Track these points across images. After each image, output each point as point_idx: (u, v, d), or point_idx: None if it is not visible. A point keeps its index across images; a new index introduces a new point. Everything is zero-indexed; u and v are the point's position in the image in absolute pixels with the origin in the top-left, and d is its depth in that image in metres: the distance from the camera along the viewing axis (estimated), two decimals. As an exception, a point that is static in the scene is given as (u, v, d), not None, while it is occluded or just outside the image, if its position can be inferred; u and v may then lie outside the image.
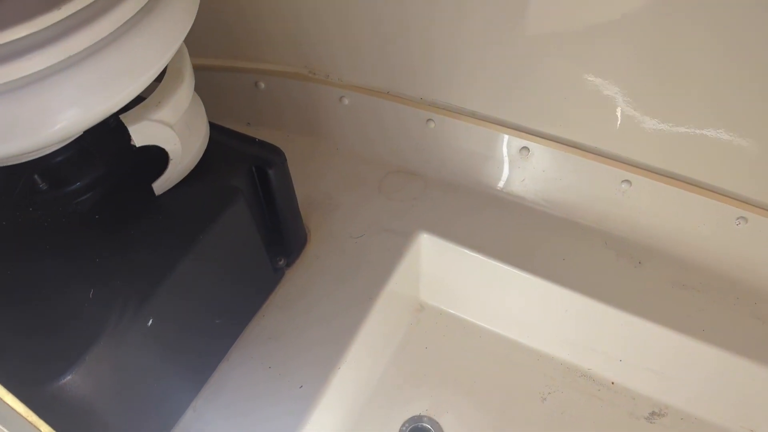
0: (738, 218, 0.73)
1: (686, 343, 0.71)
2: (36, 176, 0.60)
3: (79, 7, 0.41)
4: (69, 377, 0.51)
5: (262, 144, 0.73)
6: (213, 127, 0.71)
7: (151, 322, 0.58)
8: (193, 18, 0.53)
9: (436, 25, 0.77)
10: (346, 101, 0.89)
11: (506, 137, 0.82)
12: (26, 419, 0.37)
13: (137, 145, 0.57)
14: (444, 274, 0.85)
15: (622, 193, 0.78)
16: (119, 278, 0.58)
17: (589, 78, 0.72)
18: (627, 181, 0.76)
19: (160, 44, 0.49)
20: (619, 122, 0.74)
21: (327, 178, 0.91)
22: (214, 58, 0.92)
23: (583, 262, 0.78)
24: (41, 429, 0.39)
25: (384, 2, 0.78)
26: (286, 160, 0.72)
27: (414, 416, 0.79)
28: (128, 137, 0.56)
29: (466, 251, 0.80)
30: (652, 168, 0.75)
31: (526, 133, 0.80)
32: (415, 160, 0.90)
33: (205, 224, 0.63)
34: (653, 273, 0.77)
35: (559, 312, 0.78)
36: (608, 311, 0.75)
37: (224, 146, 0.71)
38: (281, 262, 0.79)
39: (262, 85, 0.92)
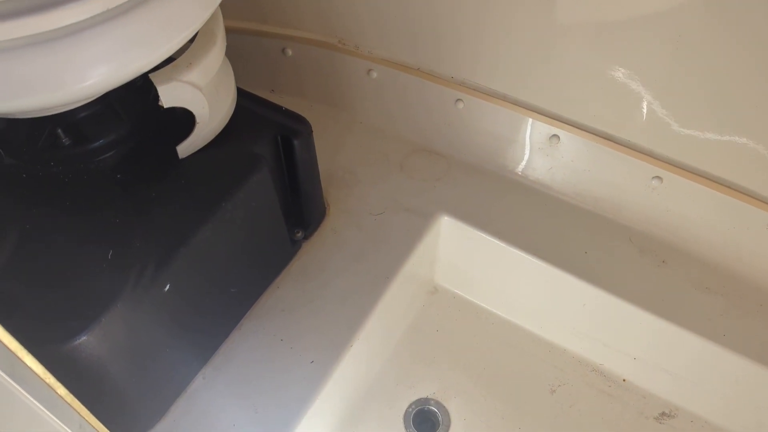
0: (769, 224, 0.71)
1: (705, 346, 0.70)
2: (59, 130, 0.59)
3: (119, -41, 0.40)
4: (84, 338, 0.51)
5: (289, 113, 0.71)
6: (240, 92, 0.70)
7: (168, 287, 0.57)
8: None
9: (474, 7, 0.75)
10: (374, 74, 0.87)
11: (537, 123, 0.80)
12: (44, 380, 0.37)
13: (165, 106, 0.55)
14: (461, 258, 0.84)
15: (652, 190, 0.76)
16: (139, 240, 0.57)
17: (625, 69, 0.70)
18: (658, 177, 0.74)
19: (200, 2, 0.47)
20: (654, 117, 0.72)
21: (349, 152, 0.90)
22: (243, 21, 0.90)
23: (606, 257, 0.77)
24: (58, 391, 0.39)
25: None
26: (312, 131, 0.71)
27: (421, 398, 0.78)
28: (156, 97, 0.55)
29: (487, 237, 0.79)
30: (685, 166, 0.73)
31: (558, 120, 0.78)
32: (440, 140, 0.88)
33: (227, 191, 0.62)
34: (676, 273, 0.76)
35: (576, 305, 0.77)
36: (627, 308, 0.73)
37: (250, 113, 0.69)
38: (299, 234, 0.78)
39: (290, 51, 0.90)
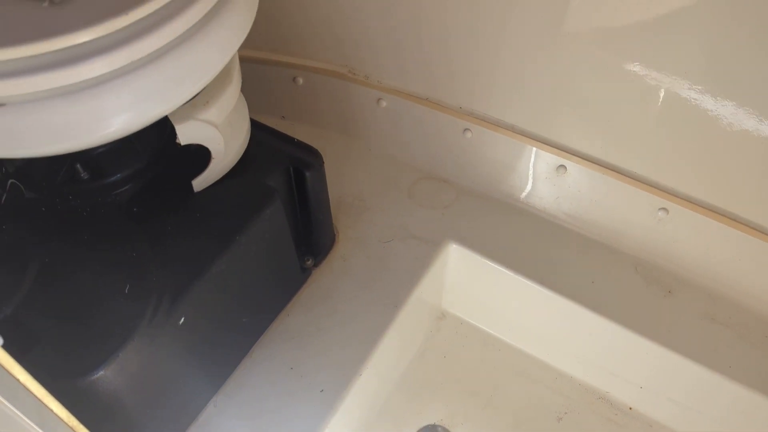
0: (775, 256, 0.72)
1: (711, 377, 0.71)
2: (78, 165, 0.60)
3: (145, 14, 0.41)
4: (101, 372, 0.52)
5: (301, 145, 0.72)
6: (253, 123, 0.71)
7: (183, 320, 0.58)
8: (252, 22, 0.53)
9: (478, 35, 0.76)
10: (383, 103, 0.89)
11: (544, 154, 0.81)
12: (68, 425, 0.38)
13: (182, 143, 0.57)
14: (469, 285, 0.85)
15: (658, 221, 0.77)
16: (155, 274, 0.58)
17: (631, 102, 0.71)
18: (664, 209, 0.75)
19: (221, 50, 0.48)
20: (660, 149, 0.73)
21: (358, 178, 0.91)
22: (254, 50, 0.91)
23: (612, 286, 0.78)
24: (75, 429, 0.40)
25: (427, 8, 0.77)
26: (323, 162, 0.72)
27: (428, 425, 0.79)
28: (172, 132, 0.56)
29: (494, 265, 0.80)
30: (691, 198, 0.74)
31: (565, 151, 0.80)
32: (449, 168, 0.89)
33: (241, 224, 0.63)
34: (683, 303, 0.77)
35: (583, 333, 0.78)
36: (633, 338, 0.74)
37: (263, 144, 0.71)
38: (309, 262, 0.79)
39: (301, 80, 0.92)
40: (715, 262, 0.76)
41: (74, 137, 0.44)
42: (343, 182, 0.90)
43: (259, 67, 0.92)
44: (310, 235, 0.78)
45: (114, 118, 0.44)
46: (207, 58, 0.47)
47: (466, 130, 0.85)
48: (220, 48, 0.48)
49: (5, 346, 0.31)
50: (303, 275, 0.79)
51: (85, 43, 0.40)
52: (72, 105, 0.42)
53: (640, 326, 0.74)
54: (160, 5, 0.42)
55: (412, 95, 0.87)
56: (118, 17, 0.40)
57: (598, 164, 0.78)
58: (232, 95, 0.59)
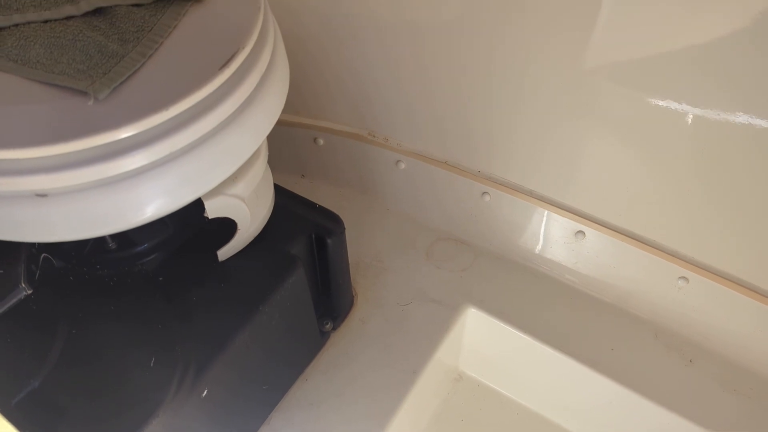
0: (796, 328, 0.72)
1: (734, 451, 0.70)
2: (107, 236, 0.61)
3: (184, 108, 0.42)
4: (126, 449, 0.52)
5: (323, 211, 0.73)
6: (276, 188, 0.72)
7: (206, 392, 0.58)
8: (284, 102, 0.54)
9: (495, 101, 0.78)
10: (402, 165, 0.90)
11: (562, 219, 0.81)
12: None
13: (210, 217, 0.58)
14: (487, 347, 0.85)
15: (678, 290, 0.77)
16: (179, 346, 0.58)
17: (652, 171, 0.72)
18: (684, 278, 0.76)
19: (255, 134, 0.49)
20: (680, 218, 0.74)
21: (376, 239, 0.92)
22: (277, 111, 0.93)
23: (632, 354, 0.78)
24: None
25: (444, 75, 0.79)
26: (344, 229, 0.73)
27: (446, 492, 0.78)
28: (201, 208, 0.57)
29: (513, 330, 0.80)
30: (710, 268, 0.74)
31: (583, 217, 0.80)
32: (467, 230, 0.90)
33: (264, 294, 0.63)
34: (703, 373, 0.76)
35: (603, 401, 0.77)
36: (653, 408, 0.73)
37: (286, 210, 0.71)
38: (328, 326, 0.79)
39: (321, 141, 0.93)
40: (736, 333, 0.75)
41: (110, 224, 0.45)
42: (361, 242, 0.90)
43: (281, 128, 0.94)
44: (330, 299, 0.79)
45: (149, 205, 0.45)
46: (242, 143, 0.49)
47: (484, 193, 0.85)
48: (254, 132, 0.50)
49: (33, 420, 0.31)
50: (322, 339, 0.79)
51: (126, 137, 0.41)
52: (110, 195, 0.43)
53: (660, 396, 0.73)
54: (199, 99, 0.43)
55: (430, 158, 0.88)
56: (158, 113, 0.41)
57: (616, 231, 0.78)
58: (260, 170, 0.60)
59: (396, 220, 0.94)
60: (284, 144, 0.96)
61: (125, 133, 0.41)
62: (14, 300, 0.47)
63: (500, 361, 0.84)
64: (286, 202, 0.73)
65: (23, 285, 0.48)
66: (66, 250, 0.62)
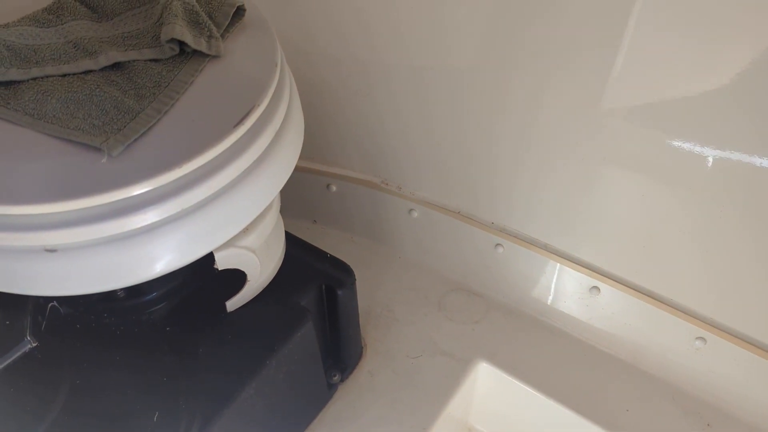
0: (819, 394, 0.69)
1: None
2: (116, 285, 0.60)
3: (198, 165, 0.42)
4: None
5: (334, 261, 0.72)
6: (286, 236, 0.71)
7: (209, 448, 0.57)
8: (298, 156, 0.54)
9: (507, 153, 0.77)
10: (415, 214, 0.89)
11: (577, 274, 0.80)
12: None
13: (219, 269, 0.57)
14: (498, 403, 0.83)
15: (696, 350, 0.75)
16: (184, 401, 0.57)
17: (671, 226, 0.71)
18: (702, 338, 0.74)
19: (268, 190, 0.49)
20: (697, 277, 0.72)
21: (387, 287, 0.91)
22: (290, 158, 0.93)
23: (648, 417, 0.75)
24: None
25: (459, 125, 0.79)
26: (355, 280, 0.72)
27: None
28: (211, 259, 0.57)
29: (525, 387, 0.78)
30: (729, 329, 0.72)
31: (599, 273, 0.79)
32: (480, 281, 0.89)
33: (273, 347, 0.62)
34: (722, 438, 0.74)
35: (618, 464, 0.75)
36: (671, 474, 0.71)
37: (297, 260, 0.71)
38: (336, 378, 0.78)
39: (334, 187, 0.93)
40: (756, 397, 0.73)
41: (120, 279, 0.44)
42: (372, 292, 0.89)
43: (294, 174, 0.94)
44: (338, 350, 0.77)
45: (160, 261, 0.44)
46: (255, 199, 0.48)
47: (497, 245, 0.85)
48: (267, 188, 0.49)
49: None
50: (329, 391, 0.77)
51: (138, 195, 0.41)
52: (120, 250, 0.42)
53: (678, 462, 0.71)
54: (213, 157, 0.43)
55: (444, 207, 0.87)
56: (172, 170, 0.41)
57: (632, 288, 0.77)
58: (271, 222, 0.60)
59: (408, 270, 0.93)
60: (296, 189, 0.95)
61: (137, 190, 0.40)
62: (18, 353, 0.46)
63: (511, 417, 0.82)
64: (297, 251, 0.72)
65: (28, 338, 0.47)
66: (74, 298, 0.61)
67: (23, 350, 0.47)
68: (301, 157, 0.94)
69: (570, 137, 0.72)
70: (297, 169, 0.95)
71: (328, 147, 0.91)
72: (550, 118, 0.71)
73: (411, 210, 0.90)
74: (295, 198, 0.96)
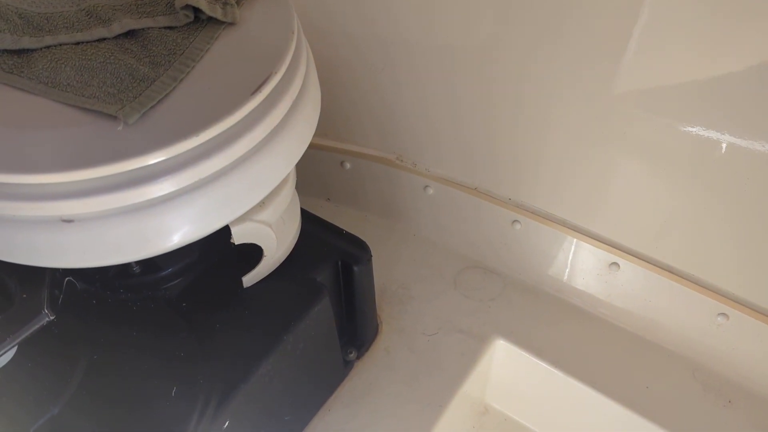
0: None
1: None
2: (131, 260, 0.60)
3: (215, 134, 0.41)
4: (144, 482, 0.50)
5: (350, 238, 0.72)
6: (302, 213, 0.71)
7: (227, 424, 0.57)
8: (315, 128, 0.53)
9: (525, 129, 0.76)
10: (430, 191, 0.88)
11: (596, 250, 0.79)
12: None
13: (236, 243, 0.56)
14: (514, 381, 0.82)
15: (717, 326, 0.74)
16: (202, 376, 0.57)
17: (690, 201, 0.69)
18: (724, 314, 0.72)
19: (285, 161, 0.48)
20: (720, 252, 0.71)
21: (402, 265, 0.90)
22: (304, 134, 0.92)
23: (668, 393, 0.74)
24: None
25: (475, 100, 0.77)
26: (371, 256, 0.71)
27: None
28: (228, 233, 0.56)
29: (543, 364, 0.77)
30: (753, 305, 0.71)
31: (618, 248, 0.78)
32: (496, 258, 0.88)
33: (289, 323, 0.62)
34: (742, 415, 0.73)
35: (637, 441, 0.74)
36: (691, 451, 0.70)
37: (313, 237, 0.70)
38: (352, 354, 0.77)
39: (348, 165, 0.92)
40: (779, 374, 0.72)
41: (137, 251, 0.43)
42: (387, 269, 0.88)
43: (308, 151, 0.92)
44: (355, 327, 0.77)
45: (176, 232, 0.43)
46: (271, 170, 0.47)
47: (515, 221, 0.83)
48: (284, 158, 0.48)
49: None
50: (346, 368, 0.77)
51: (155, 163, 0.40)
52: (137, 221, 0.42)
53: (698, 438, 0.70)
54: (230, 125, 0.42)
55: (460, 184, 0.86)
56: (188, 138, 0.40)
57: (652, 264, 0.76)
58: (287, 196, 0.59)
59: (423, 247, 0.92)
60: (310, 167, 0.94)
61: (154, 159, 0.39)
62: (37, 326, 0.46)
63: (529, 396, 0.81)
64: (312, 227, 0.71)
65: (46, 311, 0.46)
66: (90, 273, 0.61)
67: (41, 323, 0.46)
68: (315, 134, 0.93)
69: (587, 115, 0.70)
70: (311, 145, 0.94)
71: (343, 123, 0.90)
72: (569, 95, 0.70)
73: (426, 187, 0.88)
74: (308, 176, 0.95)
